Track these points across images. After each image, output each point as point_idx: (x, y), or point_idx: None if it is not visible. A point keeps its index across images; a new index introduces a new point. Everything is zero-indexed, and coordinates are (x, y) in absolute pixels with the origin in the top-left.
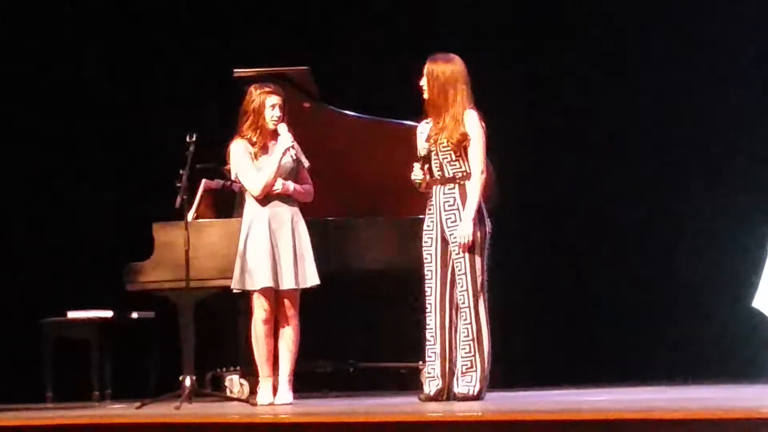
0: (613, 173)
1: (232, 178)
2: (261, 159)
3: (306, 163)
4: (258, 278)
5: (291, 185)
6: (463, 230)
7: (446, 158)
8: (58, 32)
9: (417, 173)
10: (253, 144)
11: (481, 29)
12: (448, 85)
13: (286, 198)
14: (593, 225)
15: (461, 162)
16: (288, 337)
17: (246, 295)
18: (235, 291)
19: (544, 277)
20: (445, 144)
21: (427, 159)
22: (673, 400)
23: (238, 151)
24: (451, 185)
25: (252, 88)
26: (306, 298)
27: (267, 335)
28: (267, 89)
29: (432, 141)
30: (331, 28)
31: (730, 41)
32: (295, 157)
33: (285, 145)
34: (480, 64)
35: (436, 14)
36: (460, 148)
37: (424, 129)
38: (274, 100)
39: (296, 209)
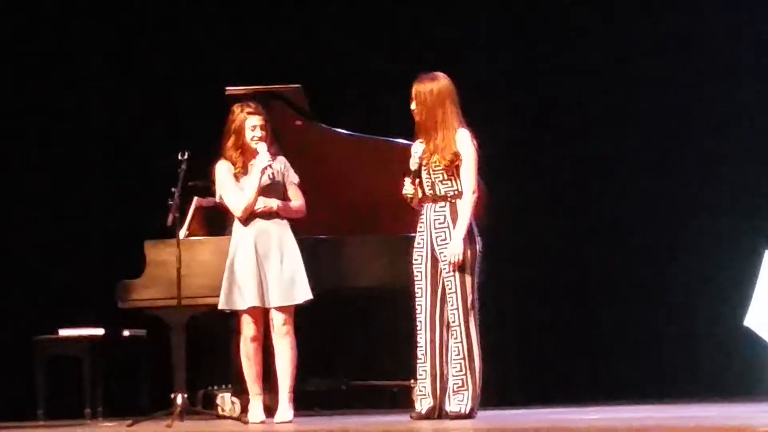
0: (608, 193)
1: (217, 200)
2: (243, 180)
3: (295, 179)
4: (244, 297)
5: (275, 203)
6: (454, 248)
7: (438, 177)
8: (56, 46)
9: (408, 188)
10: (234, 164)
11: (475, 37)
12: (436, 106)
13: (271, 215)
14: (587, 245)
15: (453, 181)
16: (283, 354)
17: (235, 314)
18: (223, 310)
19: (537, 295)
20: (437, 164)
21: (417, 173)
22: (669, 418)
23: (221, 173)
24: (442, 203)
25: (234, 107)
26: (299, 315)
27: (255, 353)
28: (248, 109)
29: (424, 161)
30: (323, 43)
31: (728, 42)
32: (272, 177)
33: (262, 165)
34: (476, 71)
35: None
36: (452, 167)
37: (418, 149)
38: (254, 120)
39: (284, 226)
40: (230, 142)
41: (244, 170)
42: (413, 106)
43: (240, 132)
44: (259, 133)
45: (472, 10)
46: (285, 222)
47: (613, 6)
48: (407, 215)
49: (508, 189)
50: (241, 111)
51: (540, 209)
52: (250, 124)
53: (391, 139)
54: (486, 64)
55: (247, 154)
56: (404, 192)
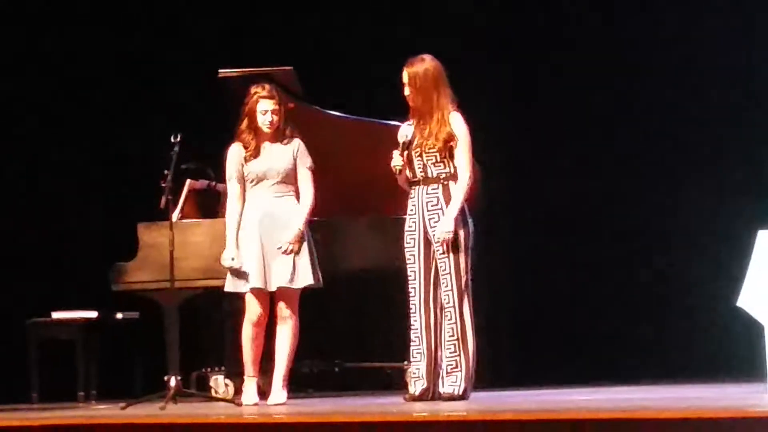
0: (603, 176)
1: (214, 183)
2: (250, 163)
3: (308, 164)
4: (250, 279)
5: (295, 236)
6: (444, 226)
7: (431, 160)
8: (46, 32)
9: (397, 159)
10: (247, 147)
11: (470, 28)
12: (430, 88)
13: (281, 197)
14: (580, 225)
15: (446, 163)
16: (284, 337)
17: (237, 296)
18: (228, 292)
19: (530, 276)
20: (431, 146)
21: (405, 146)
22: (661, 399)
23: (229, 159)
24: (435, 185)
25: (252, 88)
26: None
27: (256, 336)
28: (262, 93)
29: (416, 143)
30: (321, 27)
31: (725, 42)
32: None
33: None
34: (471, 64)
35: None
36: (446, 149)
37: (407, 131)
38: (265, 105)
39: (291, 207)
40: (244, 125)
41: (257, 153)
42: (407, 91)
43: (252, 115)
44: (269, 117)
45: (460, 5)
46: (292, 203)
47: (612, 5)
48: (400, 197)
49: (500, 172)
50: (256, 94)
51: (532, 189)
52: (261, 108)
53: (385, 121)
54: (487, 64)
55: (259, 136)
56: (392, 164)
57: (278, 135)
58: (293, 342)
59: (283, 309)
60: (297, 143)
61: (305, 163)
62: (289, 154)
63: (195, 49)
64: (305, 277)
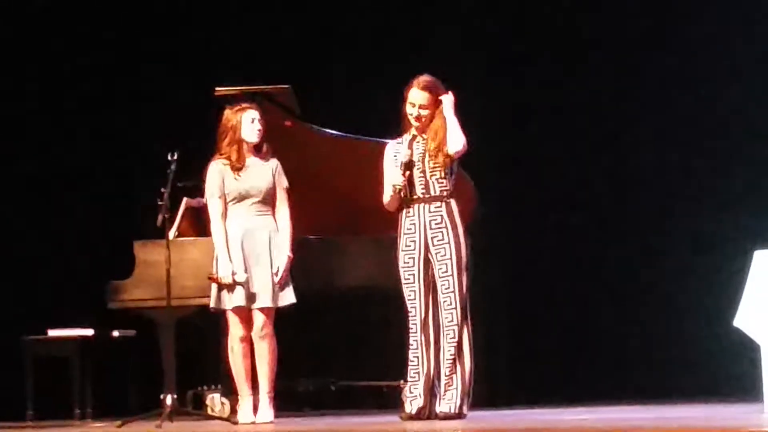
0: (599, 192)
1: (205, 201)
2: (233, 181)
3: (285, 184)
4: (233, 297)
5: (284, 263)
6: (455, 142)
7: (435, 176)
8: (44, 47)
9: (398, 179)
10: (231, 162)
11: (467, 36)
12: (439, 106)
13: (261, 216)
14: (573, 246)
15: (448, 180)
16: (264, 355)
17: (223, 314)
18: (212, 310)
19: (526, 296)
20: (438, 163)
21: (408, 166)
22: (657, 419)
23: (210, 176)
24: (438, 204)
25: (227, 109)
26: (287, 316)
27: (244, 354)
28: (244, 105)
29: (419, 160)
30: (316, 44)
31: (723, 44)
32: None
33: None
34: (469, 69)
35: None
36: (450, 164)
37: (397, 148)
38: (252, 114)
39: (273, 225)
40: (226, 141)
41: (241, 165)
42: (415, 110)
43: (236, 128)
44: (258, 126)
45: (454, 9)
46: (270, 221)
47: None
48: (396, 215)
49: (500, 186)
50: (236, 111)
51: (531, 206)
52: (249, 118)
53: (380, 139)
54: (487, 64)
55: (243, 149)
56: (394, 183)
57: (260, 151)
58: (274, 358)
59: (262, 327)
60: (275, 163)
61: (282, 183)
62: (269, 173)
63: (194, 65)
64: (288, 296)
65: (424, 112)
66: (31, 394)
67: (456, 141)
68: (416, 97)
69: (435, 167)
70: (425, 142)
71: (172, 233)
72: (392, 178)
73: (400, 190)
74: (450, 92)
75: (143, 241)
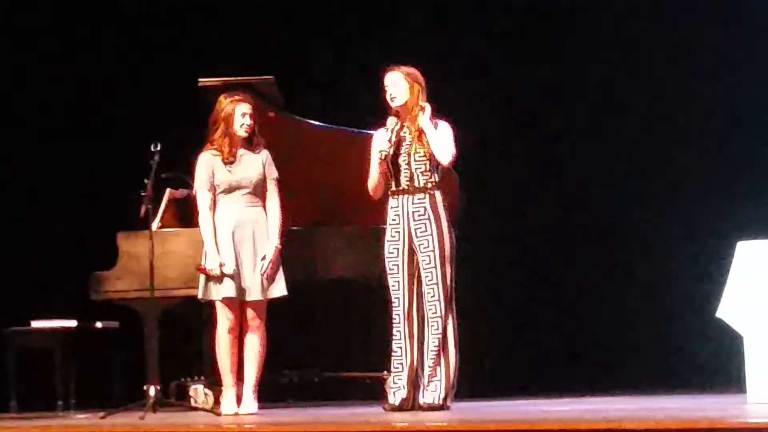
0: (582, 184)
1: (193, 192)
2: (223, 172)
3: (274, 174)
4: (222, 288)
5: (272, 253)
6: (443, 157)
7: (420, 168)
8: (31, 43)
9: (385, 145)
10: (222, 153)
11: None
12: (420, 89)
13: (251, 207)
14: (561, 237)
15: (433, 172)
16: (253, 347)
17: (211, 305)
18: (200, 300)
19: (511, 287)
20: (422, 154)
21: (397, 137)
22: (640, 410)
23: (199, 167)
24: (421, 195)
25: (221, 97)
26: (272, 307)
27: (231, 345)
28: (237, 98)
29: (405, 150)
30: (296, 33)
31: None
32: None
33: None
34: (454, 68)
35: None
36: (435, 160)
37: (385, 137)
38: (244, 108)
39: (264, 219)
40: (219, 132)
41: (232, 157)
42: (403, 90)
43: (229, 121)
44: (248, 120)
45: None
46: (260, 212)
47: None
48: (381, 206)
49: (486, 179)
50: (230, 101)
51: (516, 199)
52: (240, 111)
53: (364, 130)
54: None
55: (234, 142)
56: (379, 150)
57: (250, 142)
58: (263, 351)
59: (253, 318)
60: (266, 153)
61: (272, 174)
62: (259, 164)
63: (174, 58)
64: (278, 288)
65: (395, 92)
66: (14, 385)
67: (444, 155)
68: (387, 78)
69: (420, 159)
70: (411, 135)
71: (155, 224)
72: (379, 146)
73: (385, 156)
74: (428, 104)
75: (126, 232)
